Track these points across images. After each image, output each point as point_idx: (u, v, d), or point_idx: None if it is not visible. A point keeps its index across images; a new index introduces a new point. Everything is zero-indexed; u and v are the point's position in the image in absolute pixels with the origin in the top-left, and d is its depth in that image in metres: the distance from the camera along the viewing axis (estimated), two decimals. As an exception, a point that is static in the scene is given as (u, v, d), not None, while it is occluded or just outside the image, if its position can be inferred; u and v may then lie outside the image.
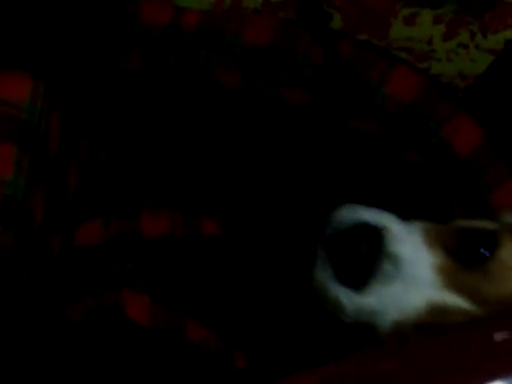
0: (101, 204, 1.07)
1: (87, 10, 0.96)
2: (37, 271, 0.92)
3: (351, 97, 0.97)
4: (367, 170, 1.02)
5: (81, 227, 1.04)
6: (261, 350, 0.97)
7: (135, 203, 1.07)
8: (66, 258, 1.02)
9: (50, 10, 0.93)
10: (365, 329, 0.68)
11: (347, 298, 0.66)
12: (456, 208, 0.94)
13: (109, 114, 1.07)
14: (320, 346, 0.79)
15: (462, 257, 0.67)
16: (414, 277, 0.65)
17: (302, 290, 0.80)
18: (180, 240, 1.05)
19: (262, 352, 0.97)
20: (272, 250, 1.03)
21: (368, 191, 1.01)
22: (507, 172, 0.92)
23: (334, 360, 0.46)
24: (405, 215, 0.75)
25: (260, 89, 1.00)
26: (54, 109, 0.95)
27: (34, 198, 0.90)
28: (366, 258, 0.66)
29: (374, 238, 0.67)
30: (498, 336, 0.42)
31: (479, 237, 0.68)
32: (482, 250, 0.67)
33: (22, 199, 0.87)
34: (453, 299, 0.64)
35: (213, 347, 0.98)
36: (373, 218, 0.68)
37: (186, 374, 0.95)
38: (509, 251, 0.66)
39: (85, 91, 1.02)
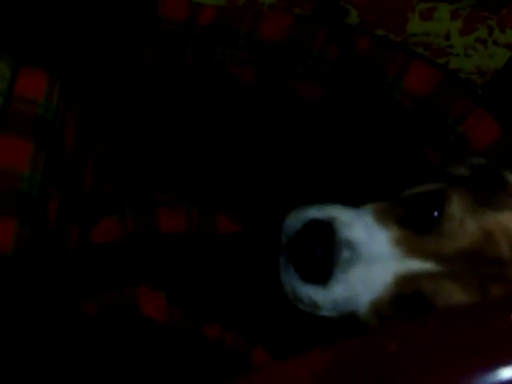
0: (117, 201, 1.07)
1: (104, 7, 0.96)
2: (52, 267, 0.92)
3: (368, 91, 0.96)
4: (383, 166, 1.02)
5: (97, 224, 1.04)
6: (280, 345, 0.97)
7: (151, 200, 1.07)
8: (82, 254, 1.02)
9: (67, 8, 0.93)
10: (350, 318, 0.71)
11: (318, 295, 0.69)
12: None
13: (125, 111, 1.07)
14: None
15: (415, 224, 0.69)
16: (374, 255, 0.67)
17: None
18: (196, 236, 1.05)
19: (281, 348, 0.96)
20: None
21: (383, 188, 1.00)
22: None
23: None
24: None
25: (276, 84, 0.99)
26: (69, 106, 0.95)
27: (50, 195, 0.90)
28: (323, 252, 0.68)
29: (325, 231, 0.69)
30: (506, 319, 0.41)
31: (426, 200, 0.71)
32: (431, 212, 0.69)
33: (38, 195, 0.87)
34: (416, 265, 0.66)
35: (229, 344, 0.97)
36: (319, 213, 0.70)
37: (201, 370, 0.95)
38: (455, 204, 0.69)
39: (101, 88, 1.02)
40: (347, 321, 0.72)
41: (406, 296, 0.67)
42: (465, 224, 0.67)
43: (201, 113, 1.06)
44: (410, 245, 0.68)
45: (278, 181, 1.06)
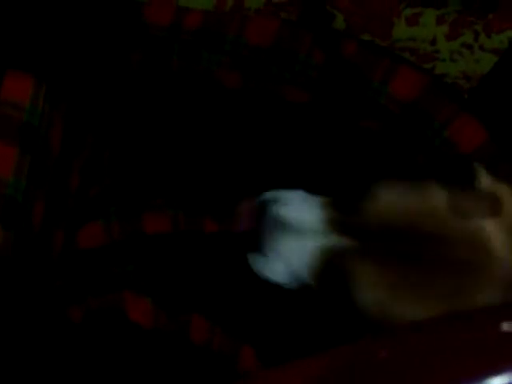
0: (103, 206, 1.07)
1: (89, 11, 0.96)
2: (37, 272, 0.92)
3: (354, 97, 0.96)
4: (368, 169, 1.02)
5: (83, 229, 1.04)
6: (267, 344, 0.97)
7: (137, 204, 1.06)
8: (67, 259, 1.01)
9: (52, 12, 0.93)
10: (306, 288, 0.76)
11: (265, 266, 0.77)
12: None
13: (111, 115, 1.07)
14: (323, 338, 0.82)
15: (347, 206, 0.75)
16: (302, 230, 0.74)
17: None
18: (182, 239, 1.05)
19: (270, 347, 0.97)
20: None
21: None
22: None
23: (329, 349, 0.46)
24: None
25: (262, 89, 0.99)
26: (56, 110, 0.95)
27: (35, 199, 0.90)
28: (265, 226, 0.75)
29: (264, 209, 0.76)
30: (504, 326, 0.41)
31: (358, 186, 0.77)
32: (360, 195, 0.75)
33: (23, 200, 0.87)
34: (339, 241, 0.72)
35: (216, 347, 0.97)
36: (270, 195, 0.78)
37: (187, 375, 0.95)
38: (383, 189, 0.75)
39: (87, 92, 1.02)
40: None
41: (329, 270, 0.73)
42: (391, 205, 0.73)
43: (186, 118, 1.05)
44: (337, 224, 0.73)
45: (266, 184, 1.06)
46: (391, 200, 0.73)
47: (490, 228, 0.72)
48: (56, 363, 0.89)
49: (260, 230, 0.76)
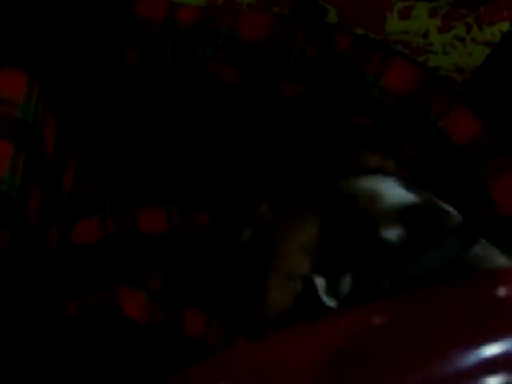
0: (98, 201, 1.07)
1: (82, 7, 0.96)
2: (33, 268, 0.91)
3: (348, 90, 0.96)
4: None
5: (78, 225, 1.04)
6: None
7: (132, 200, 1.06)
8: (63, 254, 1.01)
9: (45, 8, 0.93)
10: None
11: None
12: (455, 199, 0.93)
13: (105, 112, 1.07)
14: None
15: None
16: None
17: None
18: (176, 234, 1.05)
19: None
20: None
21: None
22: (507, 163, 0.92)
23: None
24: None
25: (256, 83, 0.99)
26: (50, 107, 0.95)
27: (30, 196, 0.90)
28: None
29: None
30: (501, 291, 0.41)
31: None
32: None
33: (18, 197, 0.86)
34: None
35: (211, 342, 0.97)
36: None
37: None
38: None
39: (81, 89, 1.02)
40: None
41: None
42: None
43: (181, 113, 1.06)
44: None
45: (262, 180, 1.06)
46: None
47: None
48: (52, 358, 0.89)
49: None
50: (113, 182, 1.09)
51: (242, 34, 0.96)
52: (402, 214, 0.73)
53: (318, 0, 0.99)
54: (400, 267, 0.68)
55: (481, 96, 1.03)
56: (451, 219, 0.74)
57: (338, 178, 0.81)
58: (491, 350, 0.38)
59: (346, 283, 0.70)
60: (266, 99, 1.01)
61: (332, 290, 0.72)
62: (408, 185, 0.79)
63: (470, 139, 0.91)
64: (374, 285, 0.68)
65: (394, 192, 0.76)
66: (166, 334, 0.97)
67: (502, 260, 0.70)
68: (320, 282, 0.73)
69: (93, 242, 1.04)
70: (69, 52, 0.97)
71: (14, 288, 0.86)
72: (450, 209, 0.77)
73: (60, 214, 1.00)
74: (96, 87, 1.03)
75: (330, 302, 0.71)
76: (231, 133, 1.06)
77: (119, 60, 0.99)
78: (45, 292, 0.96)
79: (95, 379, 0.90)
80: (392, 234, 0.71)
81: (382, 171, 0.82)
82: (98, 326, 0.96)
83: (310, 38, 0.95)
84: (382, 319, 0.42)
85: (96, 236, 1.04)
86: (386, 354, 0.40)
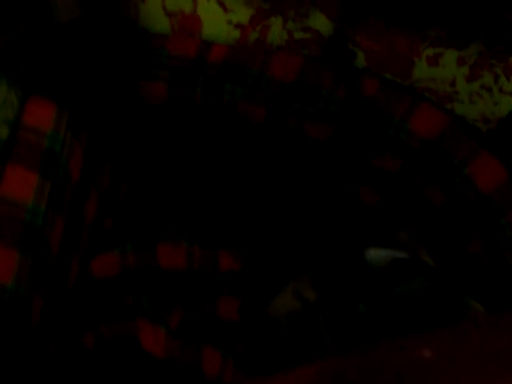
0: (119, 235, 1.06)
1: (114, 41, 0.97)
2: (52, 298, 0.91)
3: (375, 133, 0.97)
4: (388, 208, 1.02)
5: (98, 257, 1.04)
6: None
7: (153, 235, 1.06)
8: (82, 287, 1.01)
9: (76, 40, 0.94)
10: None
11: None
12: (478, 245, 0.93)
13: (131, 146, 1.07)
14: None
15: None
16: None
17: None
18: (197, 274, 1.05)
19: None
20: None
21: (388, 230, 1.00)
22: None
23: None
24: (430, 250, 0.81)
25: (284, 123, 1.00)
26: (77, 138, 0.96)
27: (53, 226, 0.90)
28: None
29: None
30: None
31: None
32: None
33: (42, 225, 0.87)
34: None
35: (228, 380, 0.96)
36: None
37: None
38: None
39: (108, 122, 1.02)
40: None
41: None
42: None
43: (207, 150, 1.06)
44: None
45: (284, 221, 1.06)
46: None
47: None
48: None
49: None
50: (134, 216, 1.09)
51: (273, 73, 0.97)
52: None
53: (347, 44, 1.00)
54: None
55: (506, 146, 1.03)
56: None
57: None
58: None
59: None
60: (293, 140, 1.01)
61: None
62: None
63: (495, 187, 0.91)
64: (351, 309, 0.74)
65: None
66: (183, 370, 0.96)
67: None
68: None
69: (112, 275, 1.04)
70: (97, 84, 0.98)
71: (30, 317, 0.85)
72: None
73: (81, 245, 1.00)
74: (123, 121, 1.04)
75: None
76: (256, 172, 1.06)
77: (139, 94, 1.00)
78: (62, 323, 0.95)
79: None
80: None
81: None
82: (114, 358, 0.95)
83: (339, 81, 0.96)
84: (425, 352, 0.41)
85: (116, 269, 1.04)
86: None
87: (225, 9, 0.98)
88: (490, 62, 0.99)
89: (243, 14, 0.99)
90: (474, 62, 1.00)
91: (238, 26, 1.00)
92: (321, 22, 0.98)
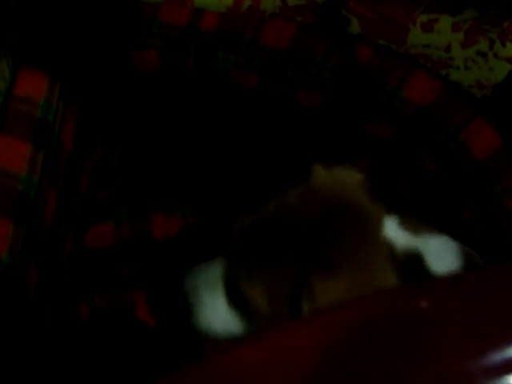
0: (113, 206, 1.06)
1: (104, 9, 0.96)
2: (47, 270, 0.91)
3: (368, 100, 0.96)
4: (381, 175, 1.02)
5: (93, 228, 1.04)
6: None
7: (147, 205, 1.06)
8: (77, 258, 1.01)
9: (67, 10, 0.93)
10: None
11: None
12: (473, 212, 0.93)
13: (123, 116, 1.07)
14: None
15: None
16: None
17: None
18: (189, 240, 1.05)
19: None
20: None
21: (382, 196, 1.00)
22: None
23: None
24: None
25: (276, 91, 0.99)
26: (69, 108, 0.95)
27: (47, 197, 0.90)
28: None
29: None
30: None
31: None
32: None
33: (35, 196, 0.86)
34: None
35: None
36: None
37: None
38: None
39: (100, 92, 1.02)
40: None
41: None
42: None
43: (200, 118, 1.05)
44: None
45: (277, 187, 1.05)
46: None
47: None
48: (65, 360, 0.88)
49: None
50: (128, 187, 1.09)
51: (266, 41, 0.96)
52: None
53: (341, 10, 0.99)
54: None
55: (501, 112, 1.03)
56: None
57: None
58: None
59: None
60: (286, 108, 1.01)
61: None
62: None
63: (489, 153, 0.91)
64: None
65: None
66: (178, 339, 0.97)
67: None
68: None
69: (107, 245, 1.04)
70: (89, 54, 0.97)
71: (27, 288, 0.85)
72: None
73: (75, 217, 1.00)
74: (115, 90, 1.03)
75: None
76: (248, 139, 1.05)
77: (130, 63, 0.99)
78: (58, 294, 0.95)
79: (107, 380, 0.89)
80: None
81: None
82: (109, 329, 0.95)
83: (333, 47, 0.95)
84: (424, 303, 0.41)
85: (110, 240, 1.04)
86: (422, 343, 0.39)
87: (217, -25, 0.97)
88: (485, 28, 0.99)
89: (236, -19, 0.98)
90: (468, 28, 0.99)
91: (231, -8, 0.99)
92: (314, -12, 0.97)
